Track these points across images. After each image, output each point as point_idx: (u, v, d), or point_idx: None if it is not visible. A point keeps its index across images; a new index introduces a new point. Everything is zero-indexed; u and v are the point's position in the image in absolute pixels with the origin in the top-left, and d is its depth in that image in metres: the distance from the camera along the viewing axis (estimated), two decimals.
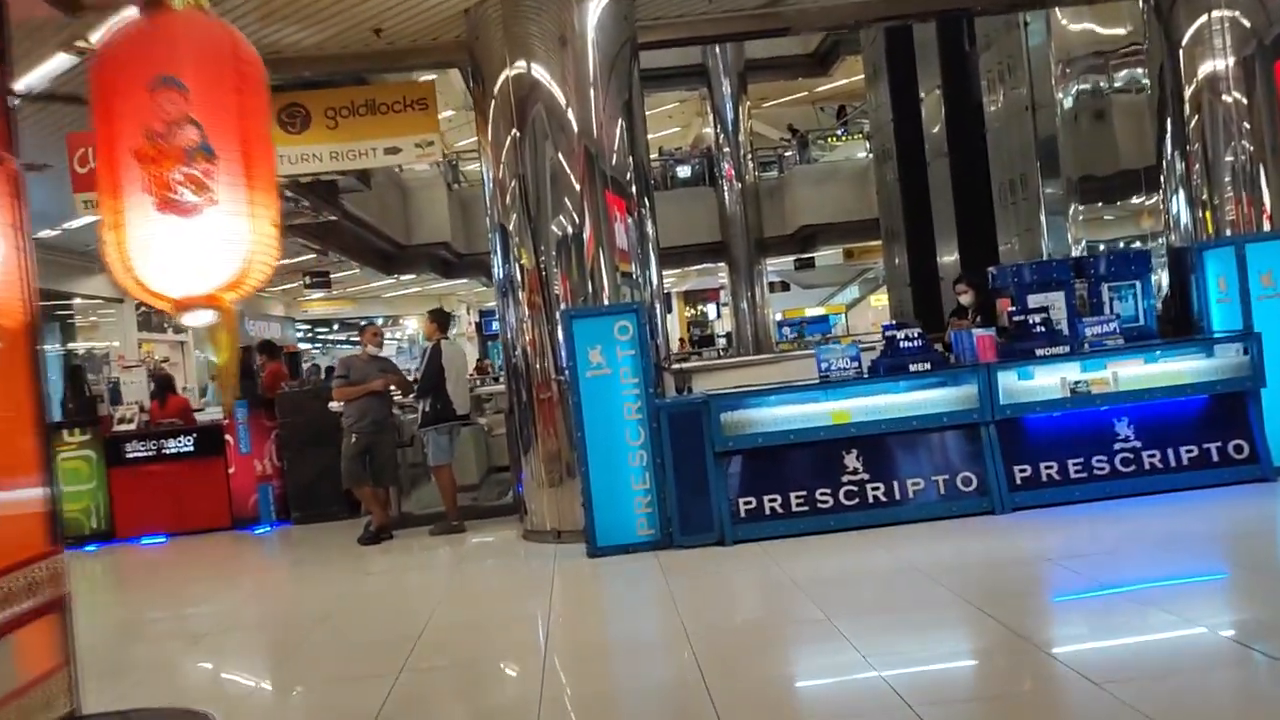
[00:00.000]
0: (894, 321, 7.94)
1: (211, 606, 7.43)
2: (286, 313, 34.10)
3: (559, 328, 7.60)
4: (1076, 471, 7.24)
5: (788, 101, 29.43)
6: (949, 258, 14.38)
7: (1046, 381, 7.36)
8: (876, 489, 7.22)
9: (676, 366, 8.35)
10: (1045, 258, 10.87)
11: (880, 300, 34.59)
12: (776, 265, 28.81)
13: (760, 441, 7.20)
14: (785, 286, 34.79)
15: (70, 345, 20.92)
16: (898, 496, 7.23)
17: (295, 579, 8.34)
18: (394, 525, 9.25)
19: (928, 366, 7.35)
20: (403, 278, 27.71)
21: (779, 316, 32.09)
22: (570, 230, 7.81)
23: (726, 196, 24.06)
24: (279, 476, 10.89)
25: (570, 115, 7.86)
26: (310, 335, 36.39)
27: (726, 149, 23.93)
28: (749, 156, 24.37)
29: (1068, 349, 7.40)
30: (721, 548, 7.11)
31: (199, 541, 10.30)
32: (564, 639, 5.46)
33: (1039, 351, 7.36)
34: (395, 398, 9.51)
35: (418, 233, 20.38)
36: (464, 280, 28.65)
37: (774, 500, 7.20)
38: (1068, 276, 8.28)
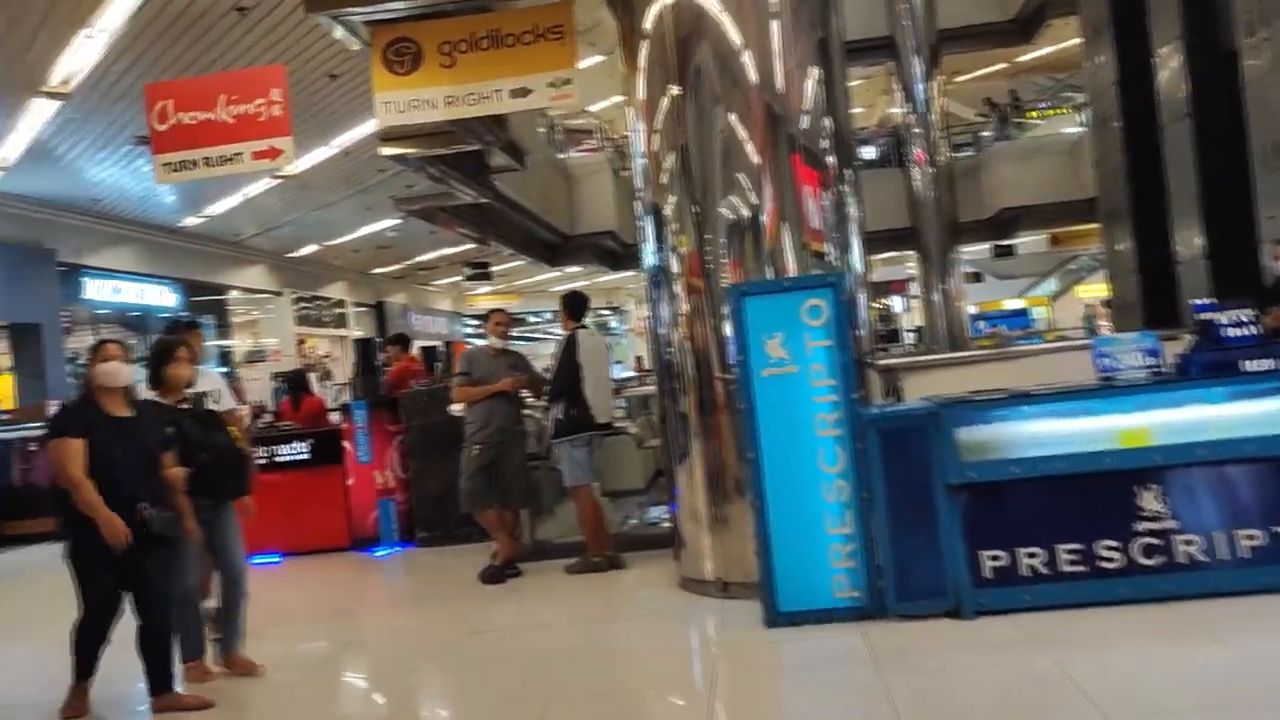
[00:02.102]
0: (1210, 300, 5.60)
1: (277, 656, 5.89)
2: (454, 307, 33.52)
3: (726, 320, 5.69)
4: None
5: (985, 75, 26.75)
6: (1195, 241, 11.76)
7: None
8: (1189, 543, 4.93)
9: (885, 362, 6.27)
10: None
11: (1089, 291, 31.21)
12: (971, 253, 26.22)
13: (1015, 471, 5.03)
14: (978, 277, 31.79)
15: (226, 341, 20.36)
16: (1221, 555, 4.91)
17: (390, 629, 6.62)
18: (526, 555, 7.53)
19: (1270, 365, 5.01)
20: (568, 270, 26.58)
21: (973, 310, 29.24)
22: (745, 213, 5.91)
23: (916, 178, 21.69)
24: (403, 490, 9.37)
25: (747, 60, 5.93)
26: (480, 331, 35.72)
27: (918, 130, 21.54)
28: (941, 135, 21.91)
29: None
30: (957, 621, 4.99)
31: (312, 564, 8.86)
32: None
33: None
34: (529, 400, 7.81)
35: (582, 222, 19.16)
36: (632, 272, 27.32)
37: (1034, 556, 5.01)
38: None
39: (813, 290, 5.32)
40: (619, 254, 21.84)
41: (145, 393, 5.21)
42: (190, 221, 16.36)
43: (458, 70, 7.13)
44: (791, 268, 5.89)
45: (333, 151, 13.23)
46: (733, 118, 5.96)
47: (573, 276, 30.10)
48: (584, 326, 7.40)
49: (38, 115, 10.06)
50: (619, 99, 20.56)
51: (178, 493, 4.89)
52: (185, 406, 5.26)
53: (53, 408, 13.06)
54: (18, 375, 14.49)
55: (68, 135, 11.03)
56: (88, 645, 4.73)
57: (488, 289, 30.98)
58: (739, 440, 5.60)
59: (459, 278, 27.11)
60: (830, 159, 6.07)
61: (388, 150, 10.69)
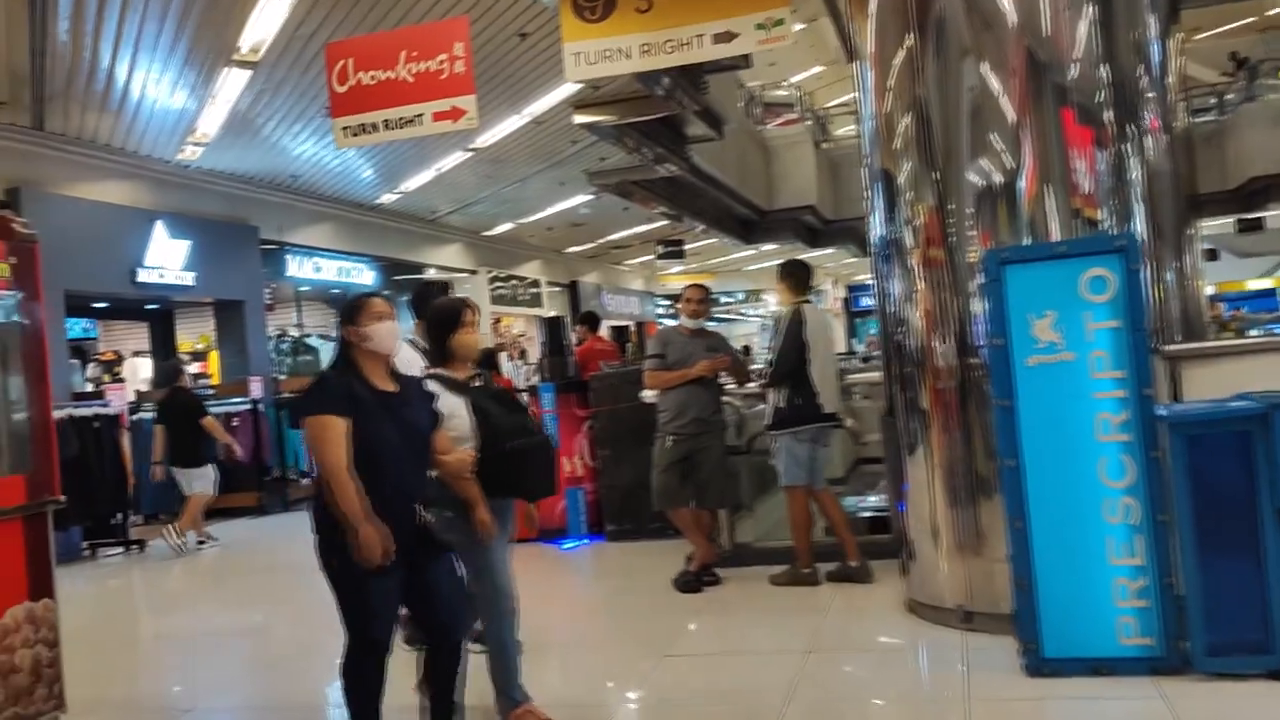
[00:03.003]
0: None
1: None
2: (646, 287, 33.07)
3: (973, 297, 4.75)
4: None
5: (1229, 30, 24.02)
6: None
7: None
8: None
9: (1175, 347, 5.09)
10: None
11: None
12: (1210, 228, 23.67)
13: None
14: (1213, 255, 28.76)
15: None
16: None
17: (573, 641, 5.84)
18: (724, 560, 6.73)
19: None
20: (764, 248, 25.63)
21: (1211, 290, 26.43)
22: (999, 178, 4.94)
23: (1148, 147, 19.49)
24: (591, 479, 8.74)
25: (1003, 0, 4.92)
26: (673, 310, 35.19)
27: (1151, 94, 19.35)
28: (1179, 98, 19.62)
29: None
30: None
31: None
32: None
33: None
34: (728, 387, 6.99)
35: (781, 196, 18.21)
36: (830, 250, 26.08)
37: None
38: None
39: (1096, 257, 4.25)
40: (818, 230, 20.75)
41: (405, 367, 4.03)
42: (387, 198, 16.29)
43: (654, 15, 6.33)
44: (1055, 232, 4.86)
45: (524, 121, 12.72)
46: (984, 68, 4.98)
47: (768, 255, 29.05)
48: (808, 300, 6.48)
49: (231, 87, 9.92)
50: (819, 69, 19.58)
51: (464, 480, 3.86)
52: (478, 384, 4.18)
53: (254, 384, 13.21)
54: (221, 351, 14.77)
55: (261, 108, 10.92)
56: (362, 693, 3.55)
57: (680, 268, 30.36)
58: (992, 441, 4.59)
59: (651, 256, 26.57)
60: (1108, 114, 5.03)
61: (580, 118, 10.06)
